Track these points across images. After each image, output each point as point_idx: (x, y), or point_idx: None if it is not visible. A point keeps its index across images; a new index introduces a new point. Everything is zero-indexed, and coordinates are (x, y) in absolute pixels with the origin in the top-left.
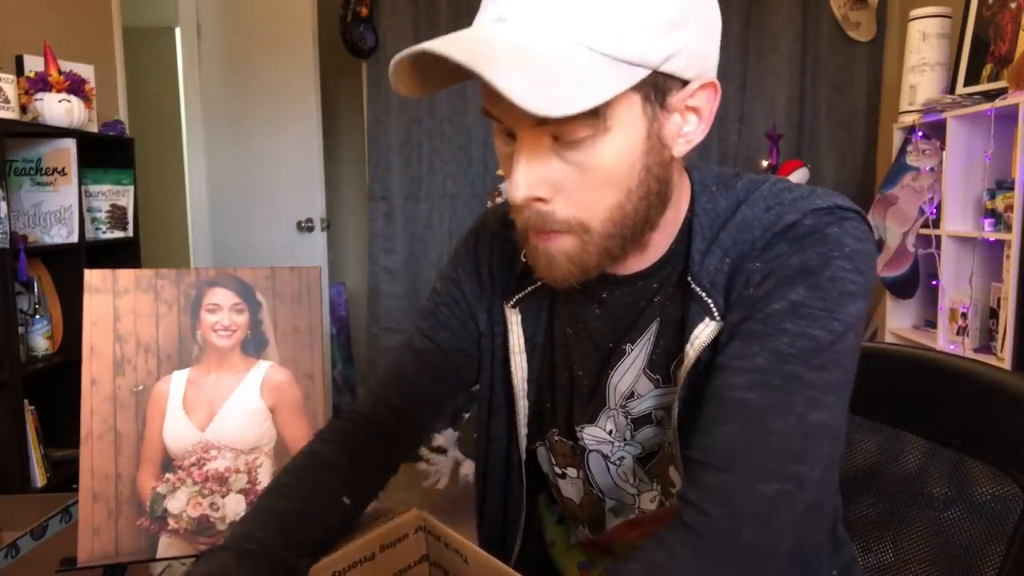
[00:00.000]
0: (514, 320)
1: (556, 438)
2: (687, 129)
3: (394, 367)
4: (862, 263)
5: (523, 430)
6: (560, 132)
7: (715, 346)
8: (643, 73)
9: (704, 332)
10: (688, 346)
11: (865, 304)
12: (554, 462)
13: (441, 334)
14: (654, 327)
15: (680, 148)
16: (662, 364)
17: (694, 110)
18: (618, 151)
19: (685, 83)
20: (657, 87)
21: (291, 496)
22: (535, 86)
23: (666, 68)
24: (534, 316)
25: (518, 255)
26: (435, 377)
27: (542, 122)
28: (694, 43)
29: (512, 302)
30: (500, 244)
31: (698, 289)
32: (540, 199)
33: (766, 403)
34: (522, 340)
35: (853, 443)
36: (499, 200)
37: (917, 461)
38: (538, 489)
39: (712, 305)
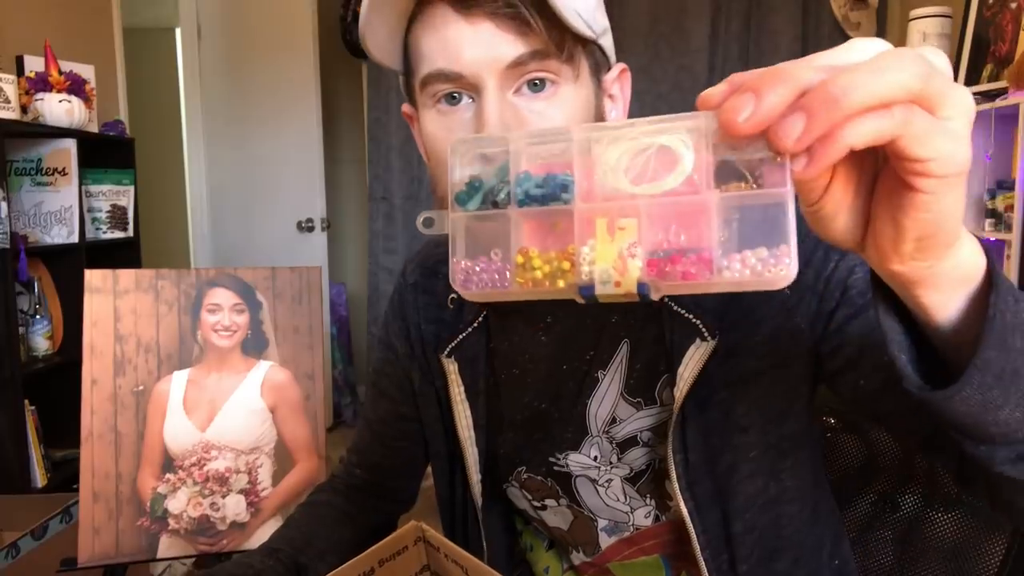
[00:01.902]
0: (452, 370)
1: (525, 475)
2: (614, 114)
3: (356, 438)
4: None
5: (475, 476)
6: (534, 73)
7: (711, 363)
8: (592, 36)
9: (697, 353)
10: (681, 368)
11: None
12: (530, 498)
13: (381, 405)
14: (624, 350)
15: None
16: (642, 386)
17: (613, 98)
18: (578, 106)
19: (609, 68)
20: (597, 62)
21: (298, 527)
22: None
23: (602, 42)
24: (471, 364)
25: (444, 303)
26: (387, 447)
27: (520, 60)
28: (609, 31)
29: (446, 352)
30: (423, 296)
31: (682, 311)
32: None
33: None
34: (462, 389)
35: (853, 442)
36: None
37: (917, 461)
38: (522, 520)
39: (702, 326)
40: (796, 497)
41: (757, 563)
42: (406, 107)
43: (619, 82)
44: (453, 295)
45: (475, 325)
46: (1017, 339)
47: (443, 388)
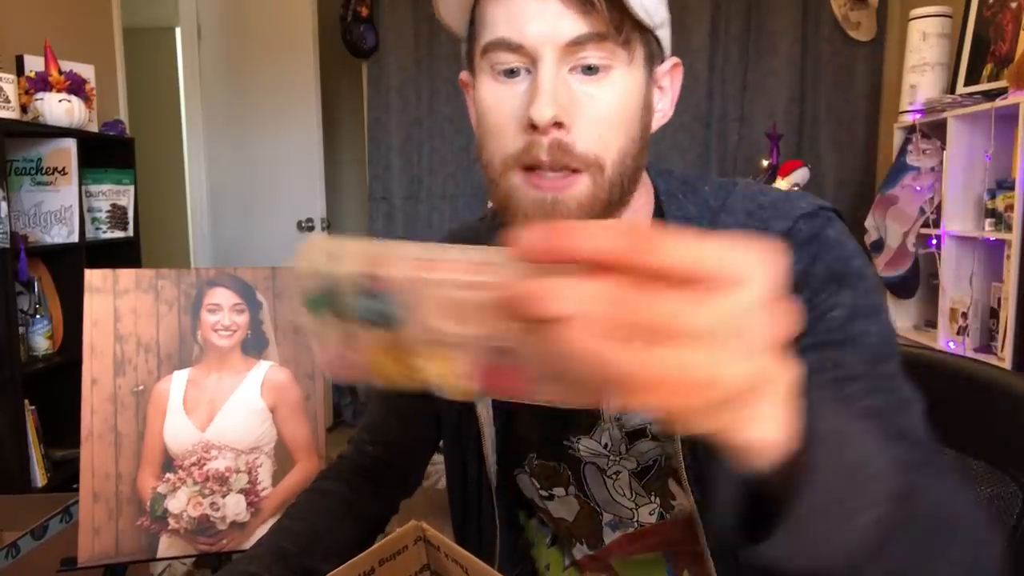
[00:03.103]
0: None
1: (536, 461)
2: (660, 105)
3: (367, 418)
4: (861, 256)
5: (491, 456)
6: (590, 55)
7: None
8: (651, 25)
9: None
10: None
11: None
12: (539, 486)
13: None
14: None
15: (655, 122)
16: None
17: (662, 89)
18: (629, 91)
19: (662, 60)
20: (652, 52)
21: (302, 518)
22: None
23: (660, 34)
24: None
25: None
26: (403, 423)
27: (578, 41)
28: (667, 24)
29: None
30: None
31: None
32: (561, 124)
33: (888, 405)
34: None
35: None
36: None
37: None
38: (526, 513)
39: None
40: None
41: None
42: (463, 75)
43: (670, 75)
44: None
45: None
46: (817, 525)
47: None
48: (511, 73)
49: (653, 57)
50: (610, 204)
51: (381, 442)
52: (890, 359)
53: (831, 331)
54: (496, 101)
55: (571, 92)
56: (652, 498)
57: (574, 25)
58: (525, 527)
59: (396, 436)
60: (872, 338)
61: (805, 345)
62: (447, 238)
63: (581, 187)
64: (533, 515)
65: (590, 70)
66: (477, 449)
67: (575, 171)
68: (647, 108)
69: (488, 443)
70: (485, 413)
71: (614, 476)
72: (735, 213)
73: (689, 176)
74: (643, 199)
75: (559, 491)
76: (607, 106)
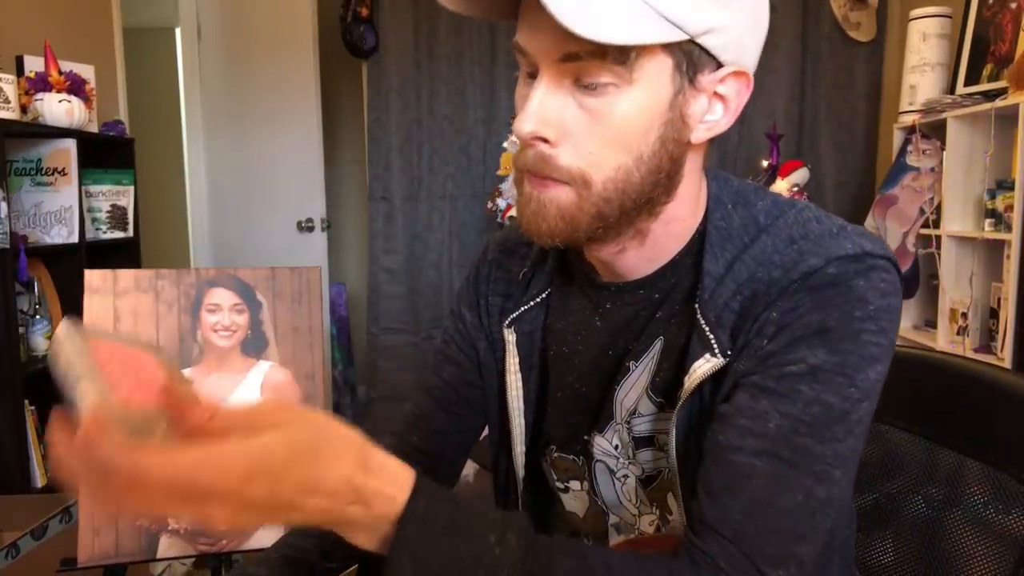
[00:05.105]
0: (510, 340)
1: (556, 454)
2: (710, 116)
3: (411, 408)
4: (886, 322)
5: (519, 447)
6: (584, 72)
7: (716, 380)
8: (680, 36)
9: (703, 367)
10: (686, 378)
11: (885, 365)
12: (555, 477)
13: (447, 369)
14: (657, 347)
15: (700, 134)
16: (664, 388)
17: (721, 98)
18: (637, 109)
19: (719, 66)
20: (691, 60)
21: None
22: (577, 8)
23: (704, 41)
24: (528, 337)
25: (514, 278)
26: (448, 413)
27: (569, 58)
28: (737, 27)
29: (507, 322)
30: (496, 271)
31: (703, 322)
32: (545, 139)
33: (774, 476)
34: (517, 360)
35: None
36: (499, 200)
37: (917, 461)
38: (552, 502)
39: (714, 342)
40: None
41: None
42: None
43: (733, 83)
44: (525, 270)
45: (537, 300)
46: None
47: (502, 359)
48: (532, 76)
49: (696, 66)
50: (603, 217)
51: (427, 431)
52: (821, 436)
53: (775, 379)
54: (519, 99)
55: (563, 108)
56: (653, 508)
57: (564, 42)
58: (549, 517)
59: (442, 424)
60: (815, 407)
61: (742, 374)
62: (499, 238)
63: (563, 196)
64: (551, 505)
65: (588, 87)
66: (508, 440)
67: (560, 181)
68: (671, 123)
69: (517, 435)
70: (516, 405)
71: (622, 479)
72: (779, 237)
73: (747, 187)
74: (689, 207)
75: (575, 484)
76: (604, 124)
